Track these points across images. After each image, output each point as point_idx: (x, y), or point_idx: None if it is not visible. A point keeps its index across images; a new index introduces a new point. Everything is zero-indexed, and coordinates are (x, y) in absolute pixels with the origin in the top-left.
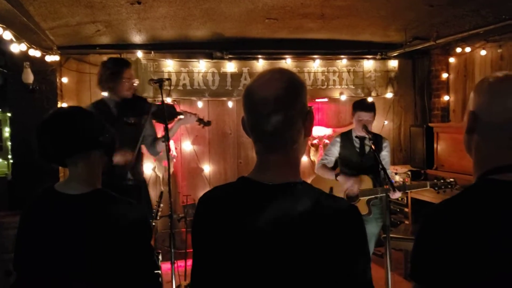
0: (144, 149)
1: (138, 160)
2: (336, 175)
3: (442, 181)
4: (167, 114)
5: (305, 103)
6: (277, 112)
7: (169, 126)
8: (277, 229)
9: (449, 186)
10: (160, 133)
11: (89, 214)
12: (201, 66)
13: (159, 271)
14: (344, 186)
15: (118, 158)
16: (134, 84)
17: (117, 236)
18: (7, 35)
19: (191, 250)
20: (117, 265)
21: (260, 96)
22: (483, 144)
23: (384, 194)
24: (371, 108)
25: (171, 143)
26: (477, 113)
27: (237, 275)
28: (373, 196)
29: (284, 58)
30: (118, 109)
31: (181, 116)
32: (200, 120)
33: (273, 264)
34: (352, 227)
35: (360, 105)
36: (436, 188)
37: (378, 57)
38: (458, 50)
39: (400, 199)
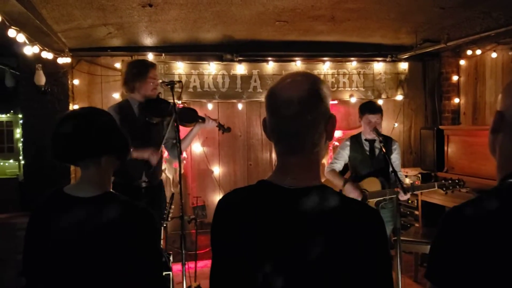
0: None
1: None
2: (345, 182)
3: (450, 181)
4: (189, 117)
5: (328, 106)
6: (300, 113)
7: (189, 129)
8: (299, 234)
9: (457, 186)
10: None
11: (98, 217)
12: (211, 68)
13: (170, 272)
14: (349, 195)
15: (146, 156)
16: (158, 85)
17: (126, 239)
18: (20, 37)
19: (202, 251)
20: (125, 268)
21: (284, 97)
22: (507, 144)
23: (393, 196)
24: (378, 109)
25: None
26: (503, 113)
27: (257, 279)
28: (381, 198)
29: (294, 61)
30: (140, 109)
31: (202, 120)
32: (220, 126)
33: (295, 268)
34: (377, 232)
35: (367, 108)
36: (444, 189)
37: (388, 59)
38: (469, 52)
39: (410, 201)
